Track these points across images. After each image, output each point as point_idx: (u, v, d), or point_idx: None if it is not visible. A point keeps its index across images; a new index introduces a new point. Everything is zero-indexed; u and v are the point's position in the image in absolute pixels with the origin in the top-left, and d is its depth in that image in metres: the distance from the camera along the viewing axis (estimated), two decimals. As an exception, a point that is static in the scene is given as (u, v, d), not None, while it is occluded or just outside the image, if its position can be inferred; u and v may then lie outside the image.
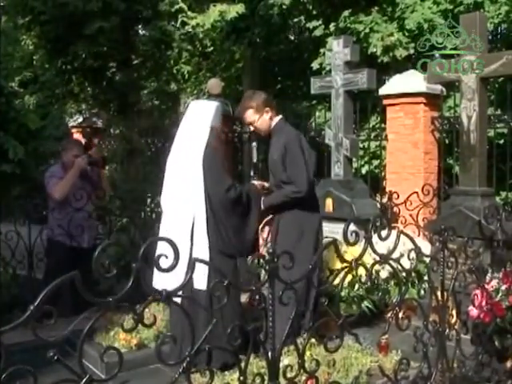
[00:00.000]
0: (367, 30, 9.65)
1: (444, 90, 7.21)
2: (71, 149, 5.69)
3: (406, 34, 9.53)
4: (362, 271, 3.05)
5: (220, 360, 3.75)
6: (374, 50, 9.49)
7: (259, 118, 4.37)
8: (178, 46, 9.86)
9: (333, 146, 6.56)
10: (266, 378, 2.44)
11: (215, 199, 3.97)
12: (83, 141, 7.21)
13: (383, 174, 7.94)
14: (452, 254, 3.35)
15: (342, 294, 4.75)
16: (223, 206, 3.99)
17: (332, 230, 6.13)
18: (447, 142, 7.55)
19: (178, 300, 2.34)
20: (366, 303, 4.98)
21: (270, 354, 2.43)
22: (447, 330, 3.30)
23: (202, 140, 4.03)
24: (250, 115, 4.39)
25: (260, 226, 5.63)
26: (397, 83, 7.29)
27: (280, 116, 4.46)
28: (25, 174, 5.45)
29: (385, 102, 7.42)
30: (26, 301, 2.02)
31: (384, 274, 5.01)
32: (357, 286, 4.88)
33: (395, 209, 6.76)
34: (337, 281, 2.86)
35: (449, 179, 7.59)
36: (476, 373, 3.49)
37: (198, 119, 4.13)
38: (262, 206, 4.26)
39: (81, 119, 11.12)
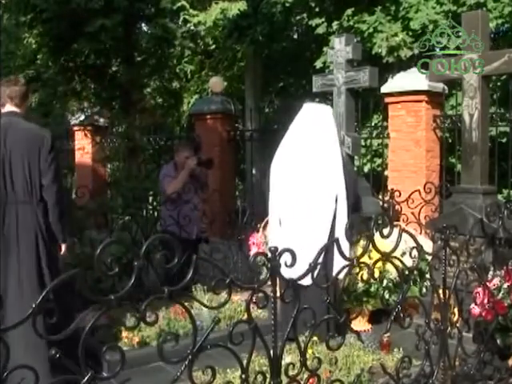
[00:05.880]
0: (371, 30, 9.59)
1: (446, 88, 7.19)
2: (183, 150, 6.35)
3: (410, 33, 9.47)
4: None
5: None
6: (379, 50, 9.41)
7: None
8: (180, 43, 9.83)
9: (335, 144, 6.54)
10: (268, 375, 2.44)
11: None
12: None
13: (385, 172, 7.93)
14: (454, 252, 3.35)
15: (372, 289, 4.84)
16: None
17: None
18: (449, 140, 7.53)
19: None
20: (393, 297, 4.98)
21: (271, 351, 2.44)
22: (449, 328, 3.30)
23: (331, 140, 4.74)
24: None
25: (262, 224, 5.65)
26: (399, 81, 7.26)
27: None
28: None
29: (387, 100, 7.40)
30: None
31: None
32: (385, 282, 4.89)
33: (397, 207, 6.75)
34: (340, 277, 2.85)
35: (451, 177, 7.58)
36: (478, 371, 3.50)
37: (321, 122, 4.78)
38: None
39: (83, 117, 11.11)
